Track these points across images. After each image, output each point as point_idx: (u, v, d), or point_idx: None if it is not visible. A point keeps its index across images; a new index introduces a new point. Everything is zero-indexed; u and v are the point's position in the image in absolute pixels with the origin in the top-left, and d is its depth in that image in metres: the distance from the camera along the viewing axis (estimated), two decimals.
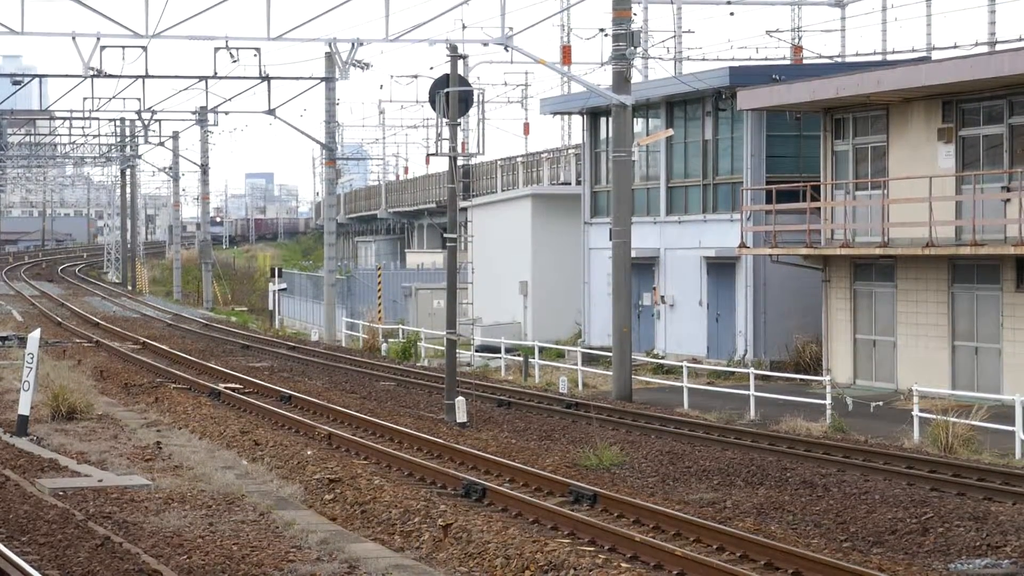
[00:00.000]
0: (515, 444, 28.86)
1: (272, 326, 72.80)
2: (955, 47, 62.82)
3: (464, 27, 74.19)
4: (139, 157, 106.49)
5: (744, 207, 43.19)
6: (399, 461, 25.70)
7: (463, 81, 35.40)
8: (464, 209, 61.64)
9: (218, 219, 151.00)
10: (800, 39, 70.94)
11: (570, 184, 69.48)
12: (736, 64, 63.30)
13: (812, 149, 43.29)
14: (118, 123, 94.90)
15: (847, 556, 18.43)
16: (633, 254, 40.00)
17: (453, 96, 33.96)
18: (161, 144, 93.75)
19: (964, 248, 35.24)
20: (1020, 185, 34.56)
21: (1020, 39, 60.16)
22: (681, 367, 39.32)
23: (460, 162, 39.42)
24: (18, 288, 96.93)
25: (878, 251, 37.94)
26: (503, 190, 77.97)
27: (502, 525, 19.87)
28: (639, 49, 42.54)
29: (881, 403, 35.42)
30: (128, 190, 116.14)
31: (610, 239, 39.47)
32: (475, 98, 34.93)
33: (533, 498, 21.96)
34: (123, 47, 47.33)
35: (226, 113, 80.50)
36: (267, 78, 58.49)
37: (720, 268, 46.16)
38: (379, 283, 64.43)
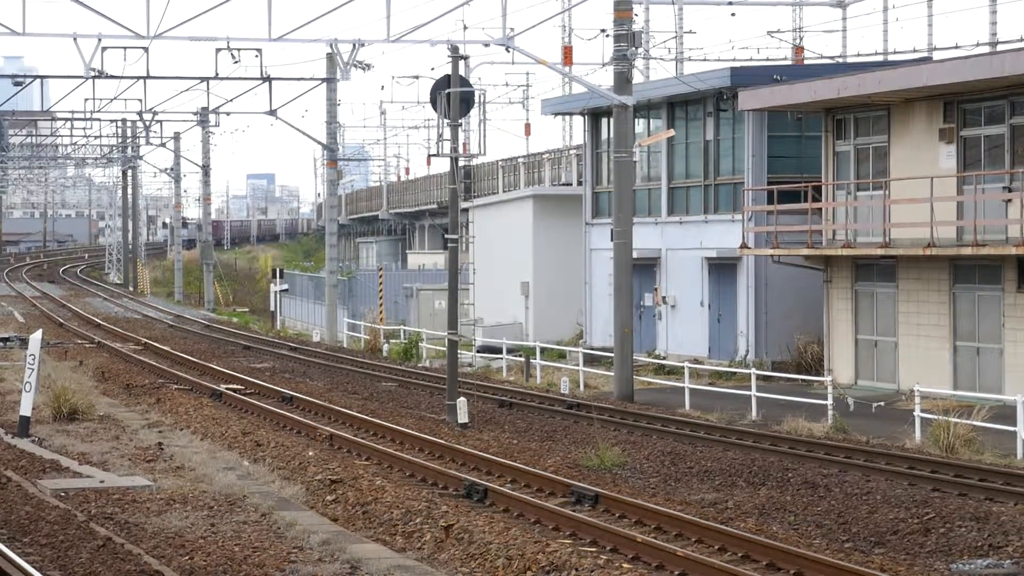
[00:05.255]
0: (516, 445, 28.84)
1: (273, 327, 72.78)
2: (956, 47, 62.84)
3: (465, 28, 74.29)
4: (140, 158, 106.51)
5: (745, 208, 43.18)
6: (401, 462, 25.70)
7: (464, 82, 35.36)
8: (465, 210, 61.62)
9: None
10: (801, 39, 70.98)
11: (571, 185, 69.45)
12: (737, 64, 63.33)
13: (813, 149, 43.28)
14: (119, 124, 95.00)
15: (849, 556, 18.43)
16: (634, 255, 40.00)
17: (454, 97, 33.94)
18: (162, 145, 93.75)
19: (965, 248, 35.24)
20: (1021, 186, 34.56)
21: (1021, 39, 60.17)
22: (682, 368, 39.29)
23: (461, 163, 39.38)
24: (19, 289, 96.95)
25: (879, 251, 37.93)
26: (504, 191, 77.95)
27: (504, 526, 19.86)
28: (640, 50, 42.52)
29: (883, 403, 35.40)
30: (129, 191, 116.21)
31: (611, 240, 39.46)
32: (476, 99, 34.89)
33: (535, 499, 21.95)
34: (124, 48, 47.39)
35: (227, 114, 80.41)
36: (268, 79, 58.45)
37: (721, 269, 46.15)
38: (380, 284, 64.42)
